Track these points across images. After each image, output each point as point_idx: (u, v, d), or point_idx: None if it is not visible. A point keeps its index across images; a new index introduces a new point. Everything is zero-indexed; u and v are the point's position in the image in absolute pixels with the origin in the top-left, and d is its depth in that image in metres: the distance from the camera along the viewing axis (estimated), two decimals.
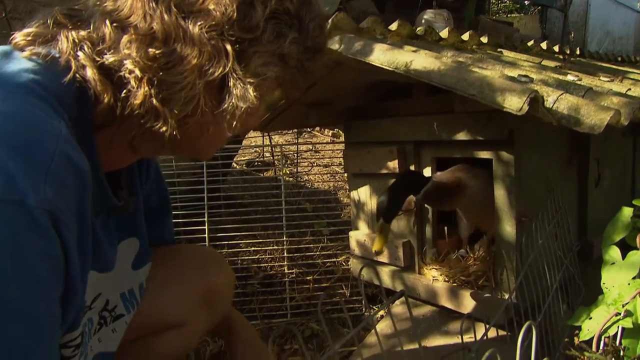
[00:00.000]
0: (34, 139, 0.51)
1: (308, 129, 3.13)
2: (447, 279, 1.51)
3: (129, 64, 0.58)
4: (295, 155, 2.62)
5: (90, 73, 0.59)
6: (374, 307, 1.82)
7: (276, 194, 2.03)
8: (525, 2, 7.48)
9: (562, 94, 0.94)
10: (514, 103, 0.89)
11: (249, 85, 0.63)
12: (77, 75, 0.59)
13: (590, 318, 0.77)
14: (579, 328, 0.84)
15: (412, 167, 1.62)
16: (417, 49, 1.22)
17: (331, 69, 1.42)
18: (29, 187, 0.49)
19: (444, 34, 1.55)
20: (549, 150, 1.47)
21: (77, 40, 0.59)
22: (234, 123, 0.65)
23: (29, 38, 0.61)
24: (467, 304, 1.47)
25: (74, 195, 0.55)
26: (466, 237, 1.61)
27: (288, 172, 2.45)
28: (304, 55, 0.68)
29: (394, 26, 1.38)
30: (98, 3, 0.61)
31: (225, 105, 0.63)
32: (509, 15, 8.36)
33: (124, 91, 0.59)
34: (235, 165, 2.52)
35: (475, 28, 5.59)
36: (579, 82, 1.12)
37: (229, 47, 0.61)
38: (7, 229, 0.48)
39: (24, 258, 0.49)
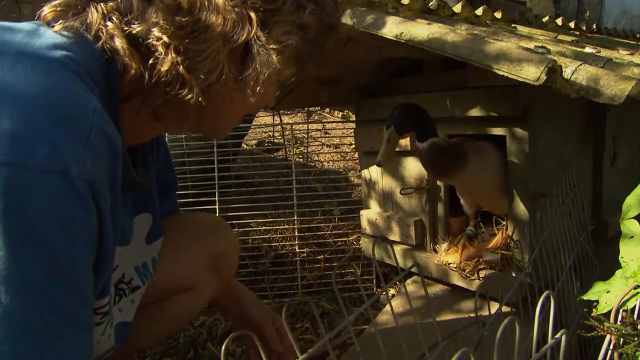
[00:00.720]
0: (73, 112, 0.53)
1: (318, 110, 3.11)
2: (460, 268, 1.50)
3: (156, 32, 0.59)
4: (305, 135, 2.60)
5: (118, 42, 0.60)
6: (385, 286, 1.82)
7: (286, 174, 2.02)
8: None
9: (580, 64, 0.91)
10: (531, 73, 0.87)
11: (272, 51, 0.65)
12: (106, 47, 0.60)
13: (608, 292, 0.76)
14: (595, 303, 0.83)
15: None
16: (430, 22, 1.19)
17: (343, 45, 1.40)
18: (72, 158, 0.51)
19: (457, 8, 1.52)
20: (564, 127, 1.44)
21: (105, 12, 0.60)
22: (257, 89, 0.66)
23: (59, 9, 0.62)
24: (480, 282, 1.46)
25: (108, 167, 0.57)
26: (472, 214, 1.59)
27: (298, 152, 2.44)
28: (320, 29, 0.71)
29: (406, 0, 1.35)
30: None
31: (250, 71, 0.65)
32: None
33: (151, 59, 0.61)
34: (244, 145, 2.51)
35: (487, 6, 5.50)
36: (598, 54, 1.09)
37: (252, 14, 0.63)
38: (54, 198, 0.50)
39: (69, 227, 0.52)
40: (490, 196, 1.43)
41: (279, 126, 2.39)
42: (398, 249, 1.71)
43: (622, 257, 0.82)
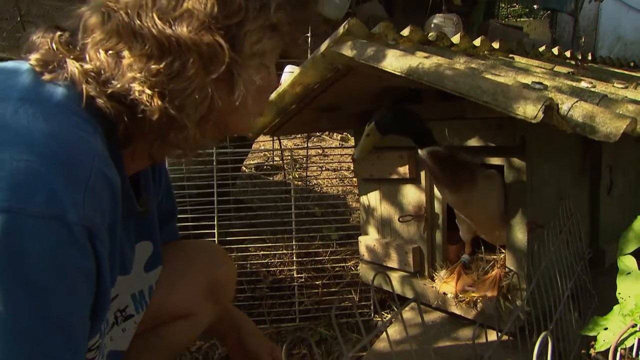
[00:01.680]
0: (73, 157, 0.53)
1: (317, 133, 3.14)
2: (458, 297, 1.50)
3: (136, 86, 0.59)
4: (304, 159, 2.62)
5: (101, 103, 0.60)
6: (383, 312, 1.82)
7: (285, 198, 2.03)
8: (535, 6, 7.45)
9: (576, 102, 0.93)
10: (528, 111, 0.89)
11: (251, 68, 0.65)
12: (92, 106, 0.60)
13: (606, 329, 0.77)
14: (593, 338, 0.83)
15: (422, 173, 1.61)
16: (429, 55, 1.22)
17: (343, 74, 1.42)
18: (70, 204, 0.51)
19: (456, 39, 1.54)
20: (561, 157, 1.46)
21: (83, 73, 0.60)
22: (249, 101, 0.66)
23: (41, 64, 0.62)
24: (477, 311, 1.46)
25: (107, 208, 0.57)
26: (469, 241, 1.60)
27: (297, 175, 2.45)
28: (293, 14, 0.69)
29: (405, 32, 1.37)
30: (86, 34, 0.61)
31: (238, 92, 0.65)
32: (518, 19, 8.33)
33: (139, 111, 0.60)
34: (244, 169, 2.52)
35: (485, 32, 5.58)
36: (593, 89, 1.11)
37: (219, 39, 0.62)
38: (50, 245, 0.50)
39: (65, 273, 0.51)
40: (491, 223, 1.44)
41: (277, 149, 2.40)
42: (396, 275, 1.71)
43: (619, 294, 0.83)
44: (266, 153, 2.76)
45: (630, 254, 0.87)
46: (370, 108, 1.75)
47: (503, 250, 1.53)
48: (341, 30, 1.27)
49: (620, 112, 0.93)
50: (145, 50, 0.59)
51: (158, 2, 0.60)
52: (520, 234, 1.35)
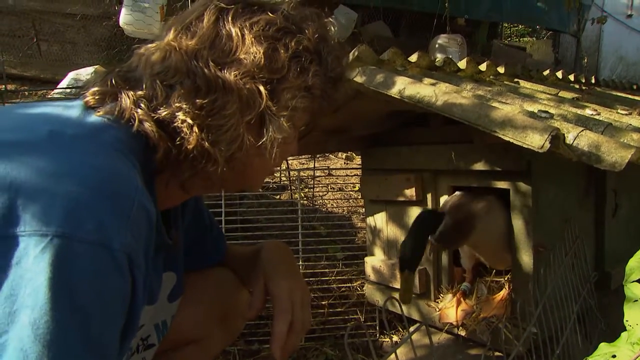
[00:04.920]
0: (119, 190, 0.59)
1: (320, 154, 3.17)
2: (460, 328, 1.51)
3: (180, 115, 0.66)
4: (310, 178, 2.64)
5: (148, 126, 0.66)
6: (389, 333, 1.82)
7: (292, 218, 2.04)
8: (537, 27, 7.53)
9: (582, 131, 0.95)
10: (535, 141, 0.91)
11: (282, 119, 0.71)
12: (139, 129, 0.66)
13: (614, 356, 0.77)
14: None
15: (429, 195, 1.63)
16: (437, 81, 1.25)
17: (352, 98, 1.45)
18: (115, 232, 0.56)
19: (462, 64, 1.58)
20: (566, 181, 1.48)
21: (135, 99, 0.67)
22: (274, 152, 0.72)
23: (97, 97, 0.69)
24: (484, 333, 1.47)
25: (145, 238, 0.62)
26: (469, 268, 1.61)
27: (303, 195, 2.47)
28: (326, 85, 0.77)
29: (413, 57, 1.41)
30: (146, 66, 0.69)
31: (265, 138, 0.71)
32: (521, 39, 8.42)
33: (178, 139, 0.67)
34: None
35: (488, 53, 5.64)
36: (597, 117, 1.13)
37: (261, 87, 0.69)
38: (96, 269, 0.54)
39: (107, 296, 0.56)
40: (494, 252, 1.46)
41: (284, 169, 2.43)
42: None
43: (627, 321, 0.84)
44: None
45: (637, 281, 0.88)
46: (377, 131, 1.78)
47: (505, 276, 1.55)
48: (350, 56, 1.31)
49: (625, 141, 0.95)
50: (194, 85, 0.66)
51: (214, 52, 0.68)
52: (526, 257, 1.37)
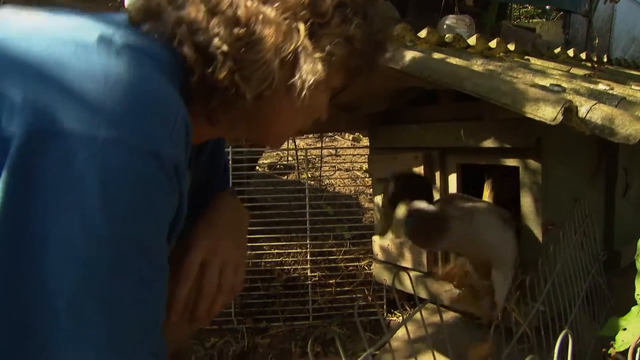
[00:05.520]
0: (164, 101, 0.59)
1: (330, 133, 3.15)
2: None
3: (216, 41, 0.65)
4: (317, 158, 2.63)
5: (186, 49, 0.65)
6: (395, 312, 1.83)
7: (299, 197, 2.04)
8: (547, 7, 7.40)
9: (595, 104, 0.94)
10: (547, 113, 0.90)
11: (317, 60, 0.69)
12: (179, 50, 0.66)
13: (625, 329, 0.77)
14: (608, 339, 0.84)
15: (437, 174, 1.62)
16: (446, 56, 1.23)
17: None
18: (163, 141, 0.56)
19: (472, 41, 1.55)
20: (577, 158, 1.46)
21: (177, 19, 0.66)
22: (303, 94, 0.70)
23: (141, 13, 0.68)
24: (493, 312, 1.47)
25: (184, 154, 0.62)
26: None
27: (310, 175, 2.46)
28: (368, 44, 0.74)
29: (422, 33, 1.38)
30: None
31: (296, 78, 0.69)
32: (530, 20, 8.29)
33: (211, 67, 0.66)
34: (258, 168, 2.54)
35: (497, 34, 5.55)
36: (611, 92, 1.11)
37: (301, 26, 0.68)
38: (145, 178, 0.55)
39: (157, 205, 0.56)
40: (474, 262, 1.43)
41: (292, 149, 2.42)
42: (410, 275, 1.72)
43: (637, 295, 0.83)
44: (278, 152, 2.78)
45: None
46: (386, 109, 1.76)
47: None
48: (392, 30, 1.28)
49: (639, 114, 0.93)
50: (235, 16, 0.66)
51: None
52: (535, 235, 1.36)
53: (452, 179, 1.60)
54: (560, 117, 0.88)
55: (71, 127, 0.51)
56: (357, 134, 3.15)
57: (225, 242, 0.89)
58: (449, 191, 1.61)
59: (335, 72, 0.74)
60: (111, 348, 0.53)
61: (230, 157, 1.79)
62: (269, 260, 1.89)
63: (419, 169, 1.64)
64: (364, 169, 2.91)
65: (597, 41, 5.85)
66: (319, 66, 0.69)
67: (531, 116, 0.93)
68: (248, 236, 1.77)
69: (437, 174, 1.62)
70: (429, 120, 1.61)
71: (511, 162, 1.40)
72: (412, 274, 1.72)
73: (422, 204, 1.19)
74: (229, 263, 0.87)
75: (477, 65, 1.25)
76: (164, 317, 0.63)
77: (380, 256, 1.80)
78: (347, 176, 2.64)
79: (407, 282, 1.72)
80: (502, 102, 0.96)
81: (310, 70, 0.69)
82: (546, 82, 1.10)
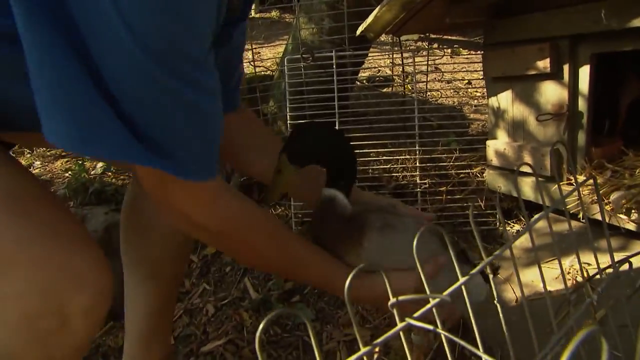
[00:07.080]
0: None
1: (426, 47, 2.98)
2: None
3: None
4: (417, 69, 2.50)
5: None
6: (509, 222, 1.73)
7: (400, 110, 1.96)
8: None
9: None
10: None
11: None
12: None
13: None
14: None
15: (565, 67, 1.46)
16: None
17: None
18: None
19: None
20: None
21: None
22: None
23: None
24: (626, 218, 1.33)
25: None
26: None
27: (410, 88, 2.35)
28: None
29: None
30: None
31: None
32: None
33: None
34: (357, 82, 2.46)
35: None
36: None
37: None
38: None
39: None
40: None
41: (391, 61, 2.30)
42: (529, 180, 1.61)
43: None
44: (376, 66, 2.67)
45: None
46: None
47: None
48: None
49: None
50: None
51: None
52: None
53: (584, 73, 1.43)
54: None
55: None
56: (455, 45, 2.95)
57: None
58: (578, 87, 1.44)
59: None
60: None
61: (334, 61, 1.72)
62: (377, 167, 1.84)
63: (544, 63, 1.47)
64: (465, 80, 2.74)
65: None
66: None
67: None
68: (355, 143, 1.72)
69: (566, 67, 1.45)
70: (558, 6, 1.42)
71: None
72: (531, 179, 1.60)
73: (342, 196, 0.84)
74: None
75: None
76: None
77: (494, 162, 1.69)
78: (449, 87, 2.50)
79: (526, 189, 1.61)
80: None
81: None
82: None
